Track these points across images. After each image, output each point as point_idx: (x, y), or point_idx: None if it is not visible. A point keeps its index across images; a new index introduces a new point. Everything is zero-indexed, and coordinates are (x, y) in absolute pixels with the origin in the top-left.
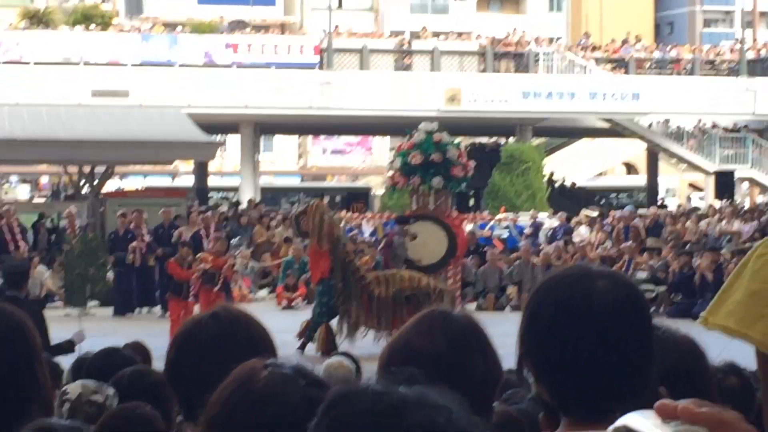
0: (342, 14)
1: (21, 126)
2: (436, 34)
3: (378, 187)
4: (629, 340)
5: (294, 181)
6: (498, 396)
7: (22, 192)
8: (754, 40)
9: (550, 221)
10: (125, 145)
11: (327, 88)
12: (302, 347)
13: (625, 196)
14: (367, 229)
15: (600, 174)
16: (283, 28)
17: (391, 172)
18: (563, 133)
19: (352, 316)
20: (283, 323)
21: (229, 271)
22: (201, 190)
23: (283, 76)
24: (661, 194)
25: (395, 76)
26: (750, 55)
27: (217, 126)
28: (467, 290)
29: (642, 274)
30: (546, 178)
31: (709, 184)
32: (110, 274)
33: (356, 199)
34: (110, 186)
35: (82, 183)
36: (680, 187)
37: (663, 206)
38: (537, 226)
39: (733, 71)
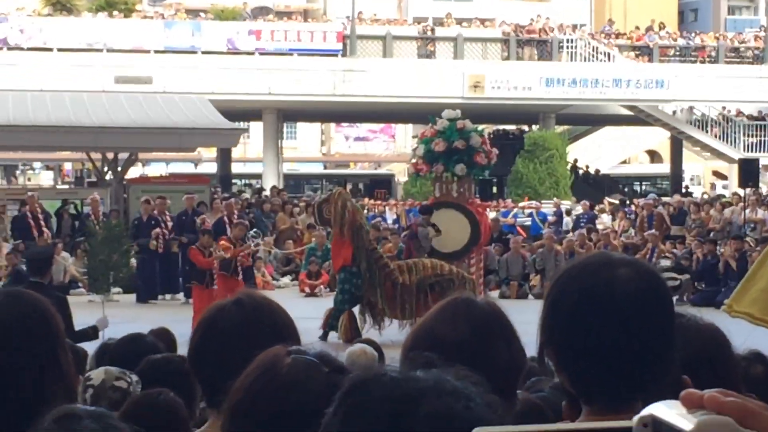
0: (365, 1)
1: (44, 112)
2: (460, 21)
3: (401, 174)
4: (651, 328)
5: (317, 168)
6: (521, 384)
7: (45, 178)
8: None
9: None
10: (148, 131)
11: (350, 75)
12: (324, 336)
13: (649, 184)
14: (390, 216)
15: (623, 162)
16: (306, 14)
17: (414, 160)
18: (586, 120)
19: (377, 306)
20: (305, 310)
21: (245, 258)
22: (224, 177)
23: (306, 63)
24: (686, 182)
25: (418, 63)
26: None
27: (240, 113)
28: (490, 278)
29: (666, 262)
30: (569, 166)
31: (733, 171)
32: (133, 261)
33: (379, 186)
34: (133, 173)
35: (105, 169)
36: (705, 174)
37: (687, 194)
38: (560, 214)
39: (758, 58)
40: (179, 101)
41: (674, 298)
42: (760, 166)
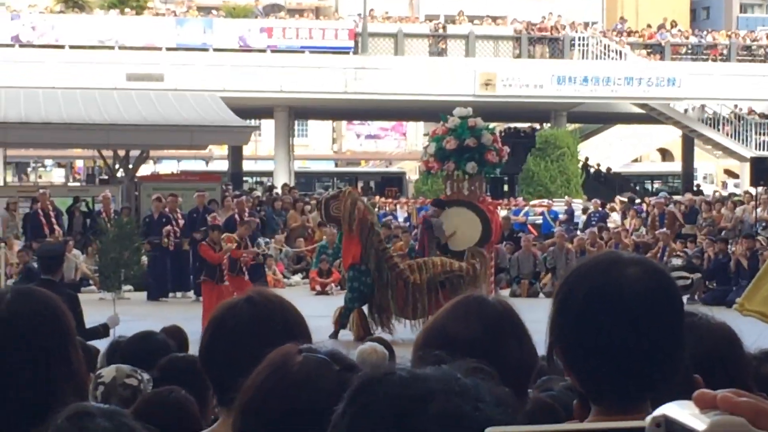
0: None
1: (56, 110)
2: (471, 19)
3: (412, 172)
4: (660, 327)
5: (328, 166)
6: (532, 383)
7: (57, 176)
8: None
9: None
10: (160, 129)
11: (361, 73)
12: (335, 334)
13: (660, 182)
14: (401, 214)
15: (635, 160)
16: (317, 12)
17: (425, 157)
18: (598, 118)
19: (388, 307)
20: (316, 308)
21: (248, 259)
22: (235, 175)
23: (318, 61)
24: (699, 180)
25: (430, 60)
26: None
27: (251, 110)
28: (501, 276)
29: (677, 261)
30: (581, 164)
31: (745, 170)
32: (144, 258)
33: (390, 184)
34: (145, 170)
35: (116, 167)
36: (716, 173)
37: (698, 192)
38: (571, 212)
39: None
40: (191, 99)
41: (685, 297)
42: None
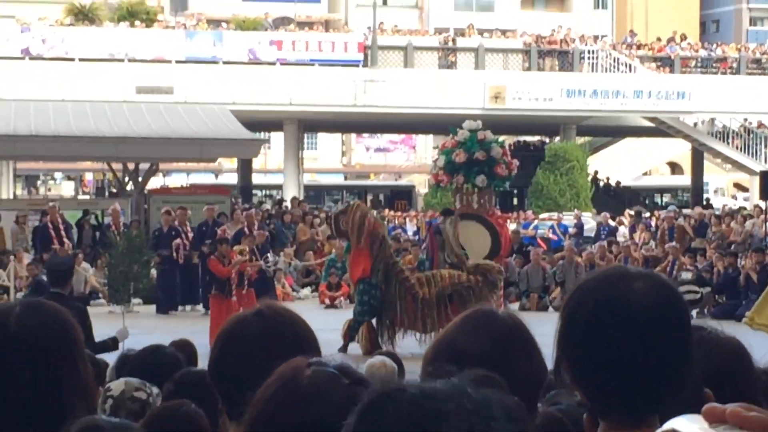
0: (386, 11)
1: (66, 122)
2: (481, 32)
3: (421, 185)
4: (668, 341)
5: (337, 179)
6: (542, 397)
7: (66, 189)
8: None
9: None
10: (169, 142)
11: (371, 86)
12: (345, 348)
13: (670, 196)
14: (410, 227)
15: (644, 173)
16: (327, 24)
17: (434, 171)
18: (607, 132)
19: (397, 321)
20: (325, 322)
21: (253, 272)
22: (245, 188)
23: (327, 74)
24: (710, 194)
25: (439, 73)
26: None
27: (261, 123)
28: (510, 290)
29: (687, 275)
30: (590, 178)
31: (755, 184)
32: (154, 272)
33: (399, 197)
34: (154, 183)
35: (126, 180)
36: (726, 186)
37: (708, 206)
38: (581, 226)
39: None
40: (200, 111)
41: (695, 311)
42: None
